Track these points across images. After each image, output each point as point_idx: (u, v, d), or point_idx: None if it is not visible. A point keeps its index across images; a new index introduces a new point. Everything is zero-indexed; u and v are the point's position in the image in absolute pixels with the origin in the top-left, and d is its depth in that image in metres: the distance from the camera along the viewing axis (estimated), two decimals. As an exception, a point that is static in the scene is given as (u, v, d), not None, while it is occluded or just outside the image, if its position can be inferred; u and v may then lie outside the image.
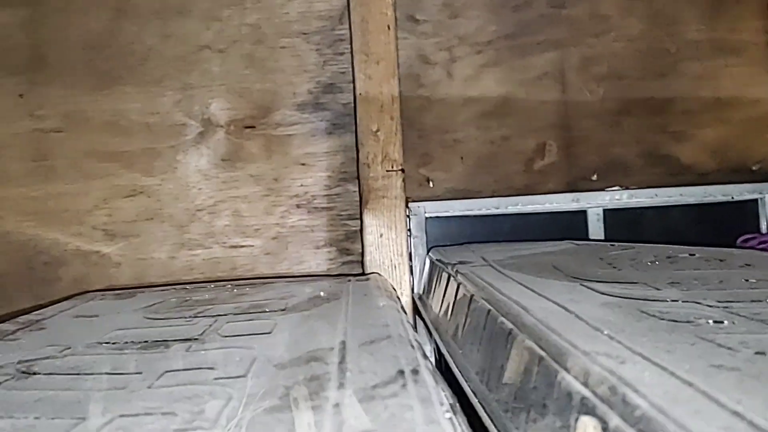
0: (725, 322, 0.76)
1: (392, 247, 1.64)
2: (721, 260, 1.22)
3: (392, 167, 1.64)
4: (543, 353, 0.71)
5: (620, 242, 1.59)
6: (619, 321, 0.78)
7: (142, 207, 1.72)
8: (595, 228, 1.78)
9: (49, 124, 1.71)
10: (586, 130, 1.79)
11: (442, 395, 0.59)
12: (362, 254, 1.67)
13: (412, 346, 0.77)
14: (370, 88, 1.65)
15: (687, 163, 1.80)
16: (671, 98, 1.81)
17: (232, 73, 1.73)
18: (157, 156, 1.72)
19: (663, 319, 0.79)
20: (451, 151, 1.79)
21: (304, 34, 1.73)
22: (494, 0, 1.80)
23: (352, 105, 1.70)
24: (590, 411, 0.57)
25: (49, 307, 1.28)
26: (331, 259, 1.73)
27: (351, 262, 1.72)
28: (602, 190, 1.78)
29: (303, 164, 1.72)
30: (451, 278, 1.31)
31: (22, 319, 1.16)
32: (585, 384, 0.59)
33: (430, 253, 1.66)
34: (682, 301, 0.89)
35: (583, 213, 1.79)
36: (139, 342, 0.94)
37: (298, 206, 1.73)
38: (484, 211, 1.77)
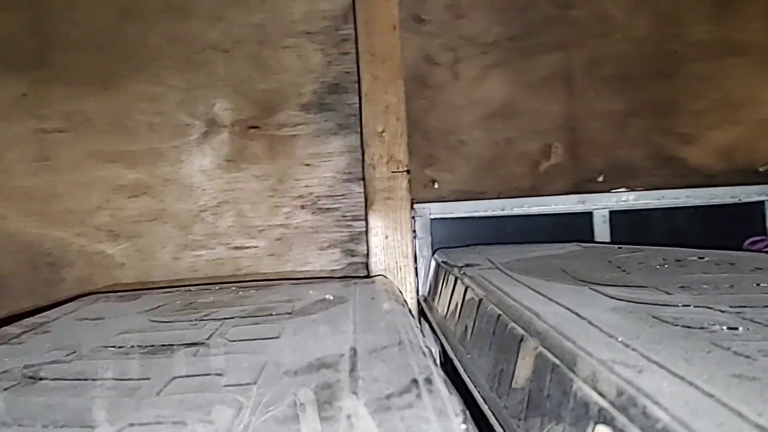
0: (740, 328, 0.75)
1: (397, 249, 1.63)
2: (731, 264, 1.21)
3: (398, 168, 1.63)
4: (557, 361, 0.70)
5: (627, 245, 1.58)
6: (632, 327, 0.77)
7: (146, 207, 1.71)
8: (601, 230, 1.78)
9: (53, 124, 1.70)
10: (592, 131, 1.79)
11: (457, 406, 0.58)
12: (367, 256, 1.66)
13: (424, 354, 0.76)
14: (375, 89, 1.64)
15: (694, 164, 1.79)
16: (678, 99, 1.80)
17: (237, 73, 1.72)
18: (161, 156, 1.71)
19: (677, 325, 0.78)
20: (456, 153, 1.78)
21: (309, 34, 1.72)
22: (499, 0, 1.79)
23: (357, 105, 1.69)
24: (608, 422, 0.56)
25: (53, 309, 1.27)
26: (335, 261, 1.72)
27: (355, 264, 1.71)
28: (608, 191, 1.78)
29: (307, 165, 1.71)
30: (458, 281, 1.30)
31: (26, 321, 1.15)
32: (602, 394, 0.59)
33: (435, 255, 1.65)
34: (694, 306, 0.88)
35: (589, 215, 1.79)
36: (146, 346, 0.93)
37: (302, 207, 1.72)
38: (489, 213, 1.76)
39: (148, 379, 0.76)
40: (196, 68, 1.72)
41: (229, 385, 0.70)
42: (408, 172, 1.64)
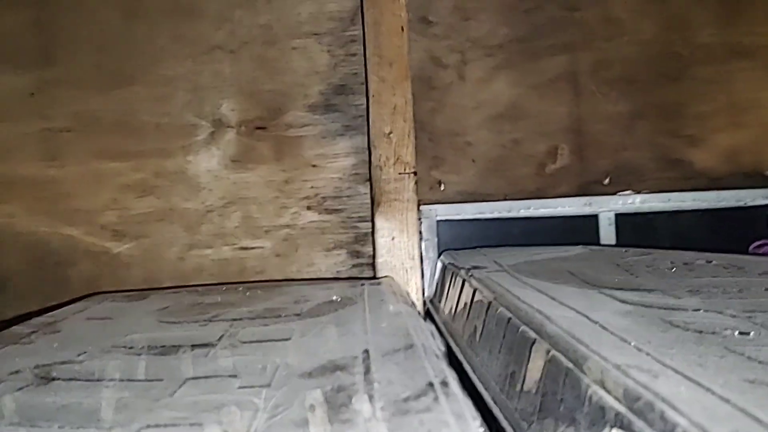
0: (751, 333, 0.76)
1: (404, 251, 1.63)
2: (739, 268, 1.21)
3: (405, 170, 1.63)
4: (570, 365, 0.70)
5: (633, 247, 1.58)
6: (644, 331, 0.77)
7: (152, 207, 1.71)
8: (607, 232, 1.78)
9: (60, 124, 1.70)
10: (599, 133, 1.79)
11: (473, 409, 0.58)
12: (373, 257, 1.66)
13: (437, 356, 0.76)
14: (383, 91, 1.64)
15: (700, 167, 1.79)
16: (684, 102, 1.80)
17: (243, 73, 1.72)
18: (168, 156, 1.71)
19: (688, 330, 0.78)
20: (462, 154, 1.78)
21: (316, 35, 1.72)
22: (506, 2, 1.79)
23: (364, 107, 1.69)
24: (625, 427, 0.56)
25: (62, 309, 1.27)
26: (341, 262, 1.72)
27: (361, 265, 1.71)
28: (614, 194, 1.77)
29: (314, 166, 1.72)
30: (466, 283, 1.30)
31: (35, 321, 1.16)
32: (618, 398, 0.59)
33: (441, 257, 1.65)
34: (704, 311, 0.89)
35: (594, 217, 1.79)
36: (156, 347, 0.94)
37: (308, 208, 1.72)
38: (495, 215, 1.76)
39: (161, 380, 0.76)
40: (202, 69, 1.72)
41: (243, 387, 0.71)
42: (415, 173, 1.64)
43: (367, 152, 1.69)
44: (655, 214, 1.80)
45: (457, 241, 1.76)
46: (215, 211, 1.72)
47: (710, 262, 1.28)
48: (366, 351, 0.79)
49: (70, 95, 1.71)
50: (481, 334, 1.08)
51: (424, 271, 1.69)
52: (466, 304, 1.26)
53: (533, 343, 0.82)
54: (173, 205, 1.71)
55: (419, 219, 1.68)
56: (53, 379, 0.79)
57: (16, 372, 0.83)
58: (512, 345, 0.90)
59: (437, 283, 1.62)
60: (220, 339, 0.95)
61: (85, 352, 0.92)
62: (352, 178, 1.71)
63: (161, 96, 1.71)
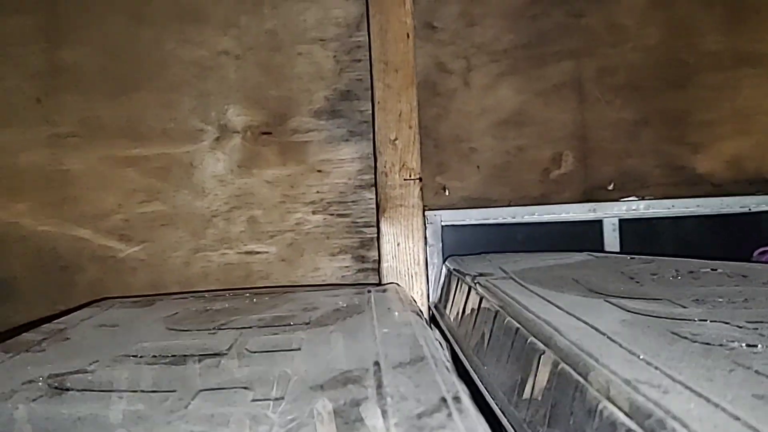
0: (759, 345, 0.76)
1: (409, 256, 1.64)
2: (743, 276, 1.21)
3: (410, 176, 1.64)
4: (580, 378, 0.71)
5: (637, 253, 1.59)
6: (652, 344, 0.78)
7: (158, 212, 1.72)
8: (611, 238, 1.79)
9: (66, 129, 1.71)
10: (603, 140, 1.79)
11: (486, 426, 0.59)
12: (378, 262, 1.67)
13: (448, 369, 0.76)
14: (388, 97, 1.65)
15: (704, 174, 1.80)
16: (688, 109, 1.81)
17: (249, 79, 1.73)
18: (174, 161, 1.72)
19: (696, 342, 0.79)
20: (467, 160, 1.79)
21: (321, 41, 1.73)
22: (511, 9, 1.80)
23: (369, 113, 1.70)
24: (636, 443, 0.57)
25: (70, 316, 1.28)
26: (346, 267, 1.73)
27: (366, 270, 1.72)
28: (618, 200, 1.78)
29: (319, 171, 1.72)
30: (472, 290, 1.31)
31: (45, 328, 1.16)
32: (629, 415, 0.59)
33: (446, 263, 1.66)
34: (710, 321, 0.89)
35: (598, 223, 1.79)
36: (167, 356, 0.94)
37: (313, 213, 1.73)
38: (500, 220, 1.77)
39: (174, 391, 0.77)
40: (208, 74, 1.73)
41: (257, 400, 0.71)
42: (420, 180, 1.65)
43: (372, 158, 1.70)
44: (658, 220, 1.81)
45: (462, 247, 1.77)
46: (221, 216, 1.73)
47: (715, 270, 1.29)
48: (377, 363, 0.80)
49: (77, 101, 1.72)
50: (488, 342, 1.09)
51: (429, 277, 1.70)
52: (472, 310, 1.27)
53: (542, 354, 0.83)
54: (179, 210, 1.72)
55: (424, 224, 1.69)
56: (67, 389, 0.80)
57: (30, 382, 0.84)
58: (520, 355, 0.91)
59: (442, 289, 1.63)
60: (230, 348, 0.96)
61: (96, 361, 0.92)
62: (357, 183, 1.72)
63: (167, 101, 1.72)
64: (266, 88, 1.73)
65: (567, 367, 0.75)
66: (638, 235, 1.80)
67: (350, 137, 1.72)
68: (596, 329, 0.85)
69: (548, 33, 1.80)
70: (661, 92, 1.80)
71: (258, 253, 1.73)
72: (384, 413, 0.62)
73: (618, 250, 1.79)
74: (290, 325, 1.09)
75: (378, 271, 1.68)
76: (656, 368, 0.68)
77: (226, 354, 0.93)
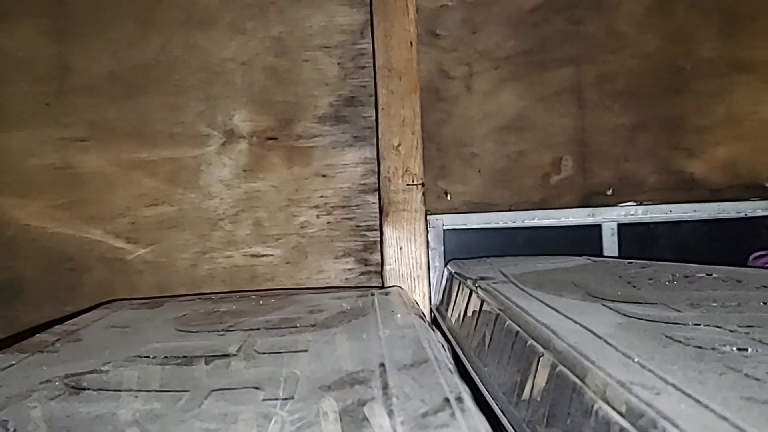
0: (749, 349, 0.79)
1: (412, 260, 1.67)
2: (738, 281, 1.25)
3: (413, 181, 1.67)
4: (577, 380, 0.74)
5: (635, 257, 1.62)
6: (646, 347, 0.81)
7: (165, 215, 1.75)
8: (610, 242, 1.82)
9: (75, 133, 1.74)
10: (602, 145, 1.82)
11: (488, 425, 0.62)
12: (381, 266, 1.70)
13: (451, 371, 0.80)
14: (392, 103, 1.68)
15: (700, 179, 1.83)
16: (686, 115, 1.84)
17: (255, 85, 1.76)
18: (181, 165, 1.75)
19: (689, 345, 0.82)
20: (468, 165, 1.82)
21: (326, 47, 1.76)
22: (513, 16, 1.83)
23: (373, 118, 1.73)
24: (629, 441, 0.60)
25: (82, 317, 1.31)
26: (349, 269, 1.76)
27: (369, 272, 1.75)
28: (617, 205, 1.81)
29: (323, 176, 1.76)
30: (473, 293, 1.34)
31: (57, 329, 1.20)
32: (623, 414, 0.63)
33: (448, 266, 1.69)
34: (704, 325, 0.92)
35: (597, 227, 1.83)
36: (179, 357, 0.97)
37: (318, 216, 1.76)
38: (501, 225, 1.80)
39: (187, 391, 0.80)
40: (215, 79, 1.76)
41: (267, 399, 0.75)
42: (423, 185, 1.68)
43: (375, 163, 1.73)
44: (656, 224, 1.85)
45: (463, 250, 1.80)
46: (227, 219, 1.76)
47: (710, 274, 1.32)
48: (382, 364, 0.83)
49: (86, 104, 1.75)
50: (489, 344, 1.12)
51: (431, 279, 1.73)
52: (473, 313, 1.30)
53: (540, 356, 0.86)
54: (186, 213, 1.75)
55: (426, 228, 1.72)
56: (83, 389, 0.83)
57: (47, 381, 0.87)
58: (520, 357, 0.94)
59: (444, 292, 1.66)
60: (239, 349, 0.99)
61: (109, 362, 0.95)
62: (360, 188, 1.75)
63: (174, 106, 1.75)
64: (272, 93, 1.76)
65: (565, 369, 0.78)
66: (637, 240, 1.84)
67: (354, 142, 1.75)
68: (593, 332, 0.88)
69: (549, 40, 1.83)
70: (659, 98, 1.83)
71: (263, 255, 1.76)
72: (390, 413, 0.65)
73: (617, 254, 1.82)
74: (296, 327, 1.12)
75: (381, 273, 1.71)
76: (650, 371, 0.71)
77: (235, 355, 0.96)
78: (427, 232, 1.74)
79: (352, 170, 1.75)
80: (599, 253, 1.82)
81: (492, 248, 1.81)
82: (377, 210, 1.73)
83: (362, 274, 1.76)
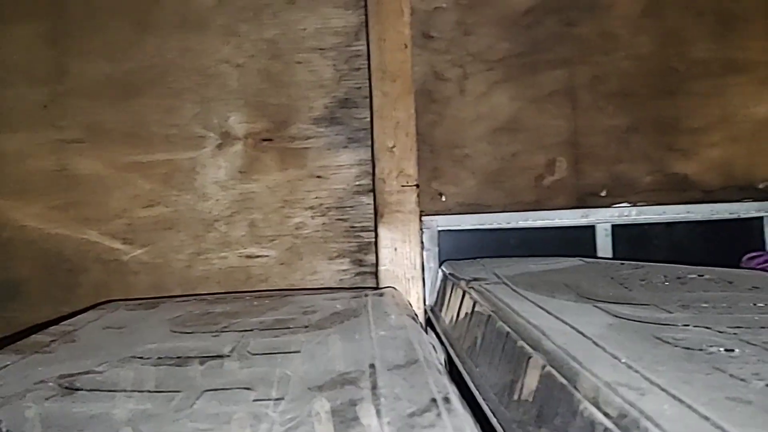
0: (736, 350, 0.80)
1: (406, 261, 1.68)
2: (729, 282, 1.25)
3: (407, 183, 1.68)
4: (564, 381, 0.75)
5: (628, 258, 1.63)
6: (635, 348, 0.82)
7: (161, 216, 1.76)
8: (604, 243, 1.82)
9: (71, 135, 1.75)
10: (596, 146, 1.83)
11: (474, 426, 0.63)
12: (376, 266, 1.71)
13: (439, 371, 0.81)
14: (386, 105, 1.69)
15: (694, 180, 1.84)
16: (679, 116, 1.85)
17: (250, 87, 1.77)
18: (176, 167, 1.76)
19: (678, 346, 0.83)
20: (462, 166, 1.82)
21: (321, 49, 1.77)
22: (506, 18, 1.84)
23: (367, 120, 1.74)
24: (613, 441, 0.61)
25: (77, 317, 1.32)
26: (344, 270, 1.77)
27: (364, 273, 1.76)
28: (611, 206, 1.82)
29: (318, 177, 1.76)
30: (466, 294, 1.35)
31: (53, 329, 1.20)
32: (607, 415, 0.63)
33: (442, 267, 1.70)
34: (694, 326, 0.93)
35: (591, 228, 1.84)
36: (173, 357, 0.98)
37: (312, 218, 1.77)
38: (494, 226, 1.81)
39: (180, 391, 0.81)
40: (210, 82, 1.77)
41: (258, 400, 0.75)
42: (417, 186, 1.69)
43: (370, 164, 1.74)
44: (650, 225, 1.85)
45: (458, 251, 1.81)
46: (222, 220, 1.76)
47: (702, 276, 1.33)
48: (372, 365, 0.84)
49: (82, 107, 1.76)
50: (481, 345, 1.13)
51: (426, 280, 1.74)
52: (466, 315, 1.31)
53: (530, 357, 0.87)
54: (181, 214, 1.76)
55: (421, 229, 1.73)
56: (77, 389, 0.84)
57: (41, 382, 0.88)
58: (510, 358, 0.95)
59: (438, 293, 1.67)
60: (232, 350, 1.00)
61: (104, 362, 0.96)
62: (355, 189, 1.76)
63: (170, 108, 1.76)
64: (267, 95, 1.77)
65: (553, 370, 0.79)
66: (630, 241, 1.84)
67: (349, 144, 1.76)
68: (582, 333, 0.89)
69: (542, 42, 1.84)
70: (653, 99, 1.84)
71: (258, 256, 1.77)
72: (378, 412, 0.66)
73: (611, 255, 1.82)
74: (290, 328, 1.13)
75: (376, 274, 1.72)
76: (636, 371, 0.72)
77: (228, 356, 0.97)
78: (422, 233, 1.75)
79: (347, 172, 1.76)
80: (593, 254, 1.83)
81: (486, 249, 1.82)
82: (372, 211, 1.74)
83: (357, 275, 1.77)
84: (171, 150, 1.76)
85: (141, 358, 0.99)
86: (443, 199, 1.81)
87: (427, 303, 1.73)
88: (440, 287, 1.67)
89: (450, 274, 1.57)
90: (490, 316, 1.13)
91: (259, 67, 1.77)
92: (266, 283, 1.77)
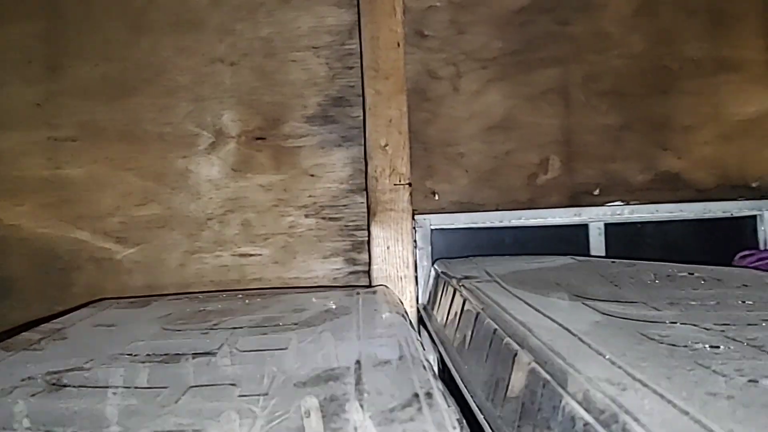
0: (721, 347, 0.80)
1: (399, 259, 1.68)
2: (718, 280, 1.26)
3: (400, 181, 1.68)
4: (548, 376, 0.75)
5: (621, 257, 1.63)
6: (620, 344, 0.82)
7: (154, 215, 1.76)
8: (597, 242, 1.83)
9: (65, 133, 1.75)
10: (589, 145, 1.84)
11: (454, 418, 0.63)
12: (369, 265, 1.71)
13: (424, 367, 0.81)
14: (379, 103, 1.69)
15: (687, 178, 1.84)
16: (672, 115, 1.85)
17: (244, 85, 1.77)
18: (170, 165, 1.76)
19: (662, 343, 0.83)
20: (455, 165, 1.83)
21: (314, 48, 1.78)
22: (500, 17, 1.84)
23: (360, 118, 1.74)
24: (593, 436, 0.61)
25: (68, 315, 1.32)
26: (337, 269, 1.77)
27: (357, 272, 1.76)
28: (604, 204, 1.83)
29: (312, 175, 1.77)
30: (457, 292, 1.35)
31: (43, 327, 1.21)
32: (588, 410, 0.64)
33: (435, 265, 1.70)
34: (680, 324, 0.93)
35: (584, 227, 1.84)
36: (160, 355, 0.98)
37: (306, 216, 1.77)
38: (487, 224, 1.81)
39: (166, 387, 0.81)
40: (204, 80, 1.77)
41: (243, 395, 0.76)
42: (410, 185, 1.69)
43: (363, 162, 1.74)
44: (643, 224, 1.86)
45: (451, 250, 1.81)
46: (215, 219, 1.77)
47: (692, 274, 1.33)
48: (358, 362, 0.84)
49: (76, 105, 1.76)
50: (470, 343, 1.13)
51: (418, 279, 1.74)
52: (456, 313, 1.31)
53: (516, 354, 0.87)
54: (175, 213, 1.76)
55: (413, 228, 1.73)
56: (64, 385, 0.84)
57: (29, 378, 0.88)
58: (497, 355, 0.95)
59: (430, 291, 1.68)
60: (220, 347, 1.00)
61: (92, 360, 0.97)
62: (348, 187, 1.76)
63: (164, 106, 1.76)
64: (260, 93, 1.77)
65: (537, 366, 0.79)
66: (623, 239, 1.85)
67: (342, 142, 1.76)
68: (569, 330, 0.89)
69: (535, 40, 1.84)
70: (646, 98, 1.84)
71: (252, 255, 1.77)
72: (361, 407, 0.67)
73: (604, 253, 1.83)
74: (279, 325, 1.13)
75: (368, 273, 1.72)
76: (619, 367, 0.72)
77: (216, 353, 0.97)
78: (415, 231, 1.75)
79: (340, 170, 1.76)
80: (586, 252, 1.83)
81: (479, 248, 1.82)
82: (365, 210, 1.74)
83: (350, 273, 1.77)
84: (165, 148, 1.76)
85: (130, 355, 1.00)
86: (437, 197, 1.82)
87: (419, 302, 1.73)
88: (433, 286, 1.67)
89: (442, 272, 1.58)
90: (479, 313, 1.13)
91: (253, 65, 1.78)
92: (260, 282, 1.77)
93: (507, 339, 0.93)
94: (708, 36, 1.87)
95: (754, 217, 1.86)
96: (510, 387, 0.87)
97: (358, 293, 1.42)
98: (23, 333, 1.16)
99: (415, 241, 1.75)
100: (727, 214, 1.84)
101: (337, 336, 1.02)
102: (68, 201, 1.75)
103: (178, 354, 0.98)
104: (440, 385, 0.75)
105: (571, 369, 0.72)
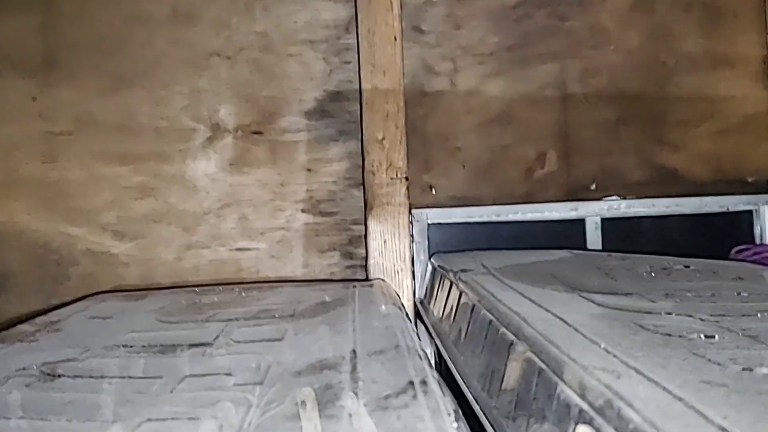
0: (716, 336, 0.81)
1: (396, 253, 1.68)
2: (714, 272, 1.26)
3: (396, 175, 1.68)
4: (543, 365, 0.75)
5: (617, 252, 1.63)
6: (615, 334, 0.82)
7: (151, 209, 1.76)
8: (593, 236, 1.83)
9: (61, 126, 1.75)
10: (585, 140, 1.84)
11: (449, 405, 0.63)
12: (366, 259, 1.71)
13: (420, 357, 0.81)
14: (376, 98, 1.69)
15: (683, 173, 1.85)
16: (668, 110, 1.85)
17: (240, 79, 1.77)
18: (166, 159, 1.76)
19: (657, 333, 0.83)
20: (452, 159, 1.83)
21: (311, 42, 1.77)
22: (497, 11, 1.84)
23: (358, 113, 1.74)
24: (587, 422, 0.61)
25: (64, 308, 1.32)
26: (334, 263, 1.77)
27: (354, 266, 1.76)
28: (600, 199, 1.83)
29: (309, 170, 1.76)
30: (453, 285, 1.35)
31: (39, 320, 1.20)
32: (582, 397, 0.64)
33: (432, 259, 1.70)
34: (676, 314, 0.93)
35: (581, 221, 1.84)
36: (156, 345, 0.98)
37: (303, 210, 1.77)
38: (485, 219, 1.81)
39: (161, 377, 0.81)
40: (200, 74, 1.77)
41: (238, 385, 0.76)
42: (407, 179, 1.69)
43: (360, 157, 1.74)
44: (640, 218, 1.86)
45: (448, 244, 1.81)
46: (212, 213, 1.76)
47: (687, 266, 1.33)
48: (353, 351, 0.84)
49: (71, 99, 1.75)
50: (466, 335, 1.13)
51: (415, 273, 1.74)
52: (453, 306, 1.31)
53: (511, 344, 0.87)
54: (171, 207, 1.76)
55: (410, 222, 1.73)
56: (59, 376, 0.84)
57: (24, 369, 0.88)
58: (493, 346, 0.95)
59: (427, 285, 1.68)
60: (216, 338, 1.00)
61: (88, 351, 0.96)
62: (345, 182, 1.76)
63: (160, 100, 1.76)
64: (257, 88, 1.77)
65: (533, 356, 0.79)
66: (620, 234, 1.85)
67: (339, 137, 1.76)
68: (564, 321, 0.89)
69: (533, 35, 1.84)
70: (643, 93, 1.85)
71: (248, 249, 1.77)
72: (355, 395, 0.67)
73: (600, 248, 1.83)
74: (275, 317, 1.13)
75: (365, 267, 1.72)
76: (614, 356, 0.72)
77: (212, 344, 0.97)
78: (412, 225, 1.75)
79: (337, 165, 1.76)
80: (583, 247, 1.83)
81: (476, 242, 1.82)
82: (362, 204, 1.74)
83: (347, 267, 1.77)
84: (161, 142, 1.75)
85: (125, 346, 1.00)
86: (434, 192, 1.81)
87: (416, 296, 1.73)
88: (429, 280, 1.67)
89: (439, 266, 1.58)
90: (474, 305, 1.13)
91: (249, 59, 1.77)
92: (257, 276, 1.77)
93: (502, 329, 0.93)
94: (704, 32, 1.87)
95: (750, 211, 1.87)
96: (505, 377, 0.87)
97: (354, 287, 1.42)
98: (18, 325, 1.16)
99: (412, 235, 1.74)
100: (724, 209, 1.84)
101: (333, 327, 1.02)
102: (64, 195, 1.75)
103: (173, 345, 0.98)
104: (435, 374, 0.75)
105: (566, 358, 0.72)
